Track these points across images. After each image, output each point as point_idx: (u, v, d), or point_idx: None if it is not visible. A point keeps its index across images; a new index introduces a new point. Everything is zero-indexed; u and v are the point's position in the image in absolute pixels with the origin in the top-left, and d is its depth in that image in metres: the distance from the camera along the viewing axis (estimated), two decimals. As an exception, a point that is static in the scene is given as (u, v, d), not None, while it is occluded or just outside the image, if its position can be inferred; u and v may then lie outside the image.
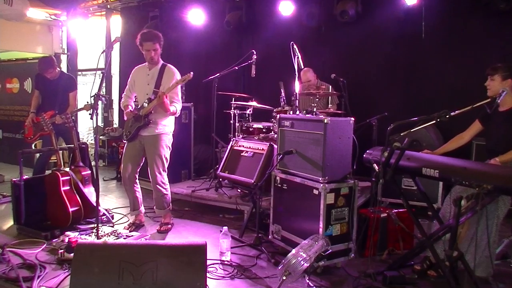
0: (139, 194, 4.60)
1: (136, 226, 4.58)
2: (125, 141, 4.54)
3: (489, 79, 3.46)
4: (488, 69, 3.48)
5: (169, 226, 4.59)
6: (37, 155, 6.75)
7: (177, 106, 4.34)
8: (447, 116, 3.12)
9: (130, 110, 4.45)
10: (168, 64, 4.45)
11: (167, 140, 4.43)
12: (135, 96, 4.60)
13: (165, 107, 4.18)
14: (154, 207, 4.59)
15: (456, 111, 3.16)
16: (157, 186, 4.41)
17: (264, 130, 5.49)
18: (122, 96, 4.64)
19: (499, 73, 3.38)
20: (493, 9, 4.99)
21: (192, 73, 4.10)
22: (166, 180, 4.48)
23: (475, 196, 2.88)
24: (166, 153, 4.42)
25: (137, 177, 4.55)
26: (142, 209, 4.68)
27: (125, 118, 4.52)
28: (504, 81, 3.37)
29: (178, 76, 4.38)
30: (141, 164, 4.52)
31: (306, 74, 5.80)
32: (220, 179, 5.39)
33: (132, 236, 4.13)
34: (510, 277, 3.52)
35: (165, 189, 4.47)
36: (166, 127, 4.42)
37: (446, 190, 4.81)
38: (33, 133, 5.62)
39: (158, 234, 4.46)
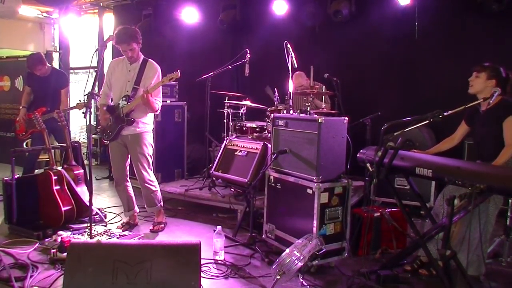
0: (132, 194, 4.57)
1: (129, 225, 4.56)
2: (106, 142, 4.48)
3: (474, 75, 3.42)
4: (475, 66, 3.45)
5: (162, 225, 4.57)
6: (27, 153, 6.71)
7: (158, 104, 4.27)
8: (440, 116, 3.13)
9: (103, 113, 4.34)
10: (150, 60, 4.33)
11: (149, 138, 4.38)
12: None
13: (151, 106, 4.14)
14: (145, 206, 4.56)
15: (449, 111, 3.18)
16: (145, 184, 4.37)
17: (257, 129, 5.49)
18: (100, 94, 4.49)
19: (486, 71, 3.36)
20: (487, 9, 5.02)
21: (179, 71, 4.03)
22: (153, 177, 4.45)
23: (468, 195, 2.91)
24: (149, 151, 4.38)
25: (128, 175, 4.51)
26: (137, 209, 4.65)
27: (100, 119, 4.42)
28: (489, 80, 3.34)
29: (159, 72, 4.29)
30: (128, 162, 4.46)
31: (298, 79, 5.79)
32: (214, 178, 5.38)
33: (125, 235, 4.12)
34: (502, 276, 3.56)
35: (153, 186, 4.43)
36: (147, 125, 4.37)
37: (439, 190, 4.85)
38: (25, 130, 5.59)
39: (151, 234, 4.44)
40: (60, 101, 5.57)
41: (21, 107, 5.70)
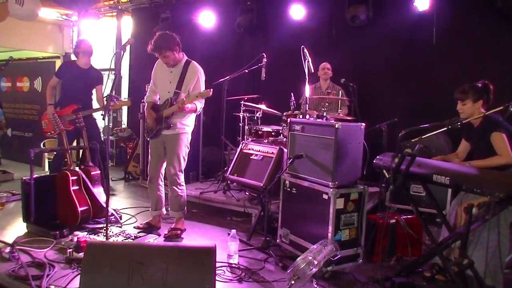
0: (162, 194, 4.55)
1: (149, 226, 4.52)
2: (148, 139, 4.52)
3: (459, 104, 3.51)
4: (456, 94, 3.52)
5: (178, 232, 4.39)
6: (46, 154, 6.81)
7: (197, 104, 4.28)
8: (459, 124, 3.11)
9: (148, 110, 4.40)
10: (193, 61, 4.36)
11: (186, 140, 4.38)
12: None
13: (188, 112, 4.19)
14: (169, 208, 4.52)
15: (468, 119, 3.16)
16: (173, 186, 4.34)
17: (273, 133, 5.49)
18: (147, 90, 4.55)
19: (470, 97, 3.44)
20: (505, 15, 4.97)
21: (211, 90, 4.11)
22: (182, 180, 4.39)
23: (486, 204, 2.87)
24: (184, 152, 4.37)
25: (161, 175, 4.50)
26: (164, 211, 4.59)
27: (146, 117, 4.46)
28: (476, 103, 3.44)
29: (201, 74, 4.32)
30: (165, 162, 4.47)
31: (324, 69, 5.89)
32: (229, 182, 5.40)
33: (140, 237, 4.15)
34: (520, 286, 3.50)
35: (179, 189, 4.37)
36: (187, 127, 4.37)
37: (455, 197, 4.79)
38: (53, 128, 5.41)
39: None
40: (96, 97, 5.58)
41: (48, 104, 5.51)
